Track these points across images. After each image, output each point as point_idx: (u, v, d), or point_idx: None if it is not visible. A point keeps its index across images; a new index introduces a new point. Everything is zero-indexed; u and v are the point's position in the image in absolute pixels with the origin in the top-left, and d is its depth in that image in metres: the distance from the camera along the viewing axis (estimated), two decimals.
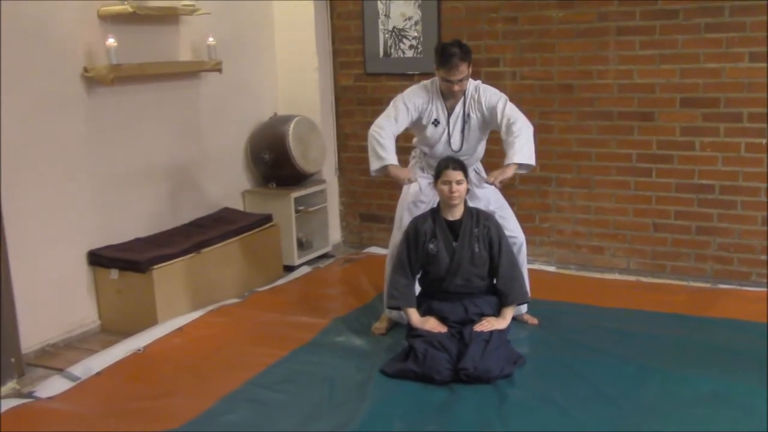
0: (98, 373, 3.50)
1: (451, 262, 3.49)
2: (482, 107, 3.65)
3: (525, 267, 3.84)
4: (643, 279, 4.69)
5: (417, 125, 3.76)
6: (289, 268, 5.14)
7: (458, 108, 3.68)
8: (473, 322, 3.47)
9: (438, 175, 3.50)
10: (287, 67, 5.48)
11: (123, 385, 3.40)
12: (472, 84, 3.69)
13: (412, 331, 3.50)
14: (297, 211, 5.22)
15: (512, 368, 3.32)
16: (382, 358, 3.53)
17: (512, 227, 3.82)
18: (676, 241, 4.73)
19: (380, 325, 3.93)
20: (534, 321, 3.94)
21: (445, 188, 3.46)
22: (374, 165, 3.61)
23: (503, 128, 3.58)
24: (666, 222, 4.73)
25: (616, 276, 4.77)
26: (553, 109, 4.89)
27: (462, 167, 3.48)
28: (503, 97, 3.67)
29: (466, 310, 3.51)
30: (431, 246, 3.52)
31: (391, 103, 3.71)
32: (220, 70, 4.75)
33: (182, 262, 4.27)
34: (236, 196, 5.25)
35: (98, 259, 4.17)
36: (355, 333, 3.90)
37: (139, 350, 3.73)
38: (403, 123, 3.67)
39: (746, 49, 4.35)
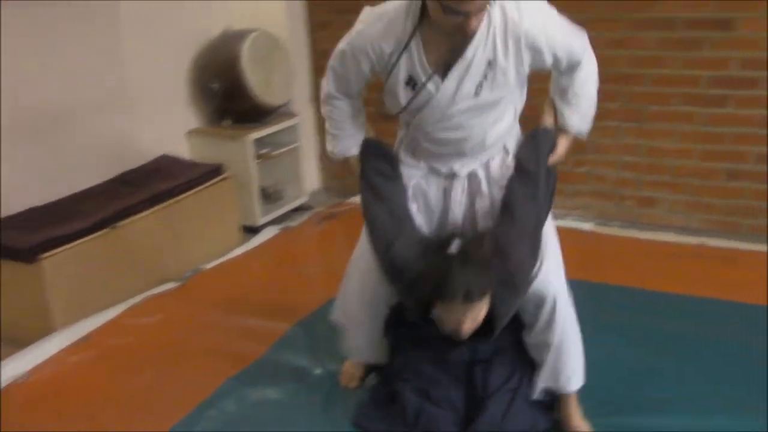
0: None
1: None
2: (521, 42, 2.01)
3: (575, 342, 2.27)
4: (709, 242, 3.78)
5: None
6: (251, 230, 4.17)
7: (470, 52, 2.00)
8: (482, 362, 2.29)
9: (438, 297, 2.04)
10: None
11: None
12: (497, 5, 1.97)
13: (396, 367, 2.39)
14: (259, 156, 4.15)
15: (548, 420, 2.31)
16: (358, 400, 2.52)
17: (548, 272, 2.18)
18: (756, 193, 3.83)
19: (352, 372, 2.64)
20: None
21: (450, 321, 2.07)
22: (329, 146, 2.35)
23: (561, 70, 2.20)
24: (744, 168, 3.83)
25: (673, 237, 3.88)
26: (594, 15, 3.85)
27: (484, 285, 2.00)
28: (554, 17, 2.08)
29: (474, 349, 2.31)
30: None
31: (331, 59, 2.20)
32: None
33: (89, 243, 3.19)
34: (178, 139, 4.19)
35: None
36: (324, 349, 2.85)
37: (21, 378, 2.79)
38: (358, 87, 2.24)
39: None
